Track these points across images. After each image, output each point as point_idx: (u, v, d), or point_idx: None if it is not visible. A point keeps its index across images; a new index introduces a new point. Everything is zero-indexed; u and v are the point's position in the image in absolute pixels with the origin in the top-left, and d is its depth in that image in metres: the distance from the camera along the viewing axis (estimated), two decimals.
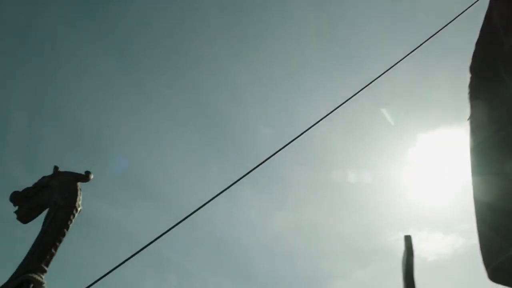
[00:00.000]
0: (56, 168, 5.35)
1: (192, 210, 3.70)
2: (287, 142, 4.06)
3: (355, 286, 22.91)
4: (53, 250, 4.53)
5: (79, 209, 4.98)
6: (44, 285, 4.22)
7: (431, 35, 4.26)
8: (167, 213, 20.21)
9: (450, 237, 22.81)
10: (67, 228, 4.77)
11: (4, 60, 17.79)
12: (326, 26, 20.18)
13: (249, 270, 22.13)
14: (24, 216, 5.21)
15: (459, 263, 22.53)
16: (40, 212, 5.25)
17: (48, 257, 4.47)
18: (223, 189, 3.93)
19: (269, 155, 3.73)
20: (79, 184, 5.20)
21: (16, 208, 5.24)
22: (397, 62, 4.05)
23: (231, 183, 4.14)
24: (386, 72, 4.05)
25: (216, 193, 3.93)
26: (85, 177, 5.29)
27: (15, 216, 5.23)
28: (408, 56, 4.16)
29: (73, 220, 4.89)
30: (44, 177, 5.36)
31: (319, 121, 3.73)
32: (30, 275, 4.19)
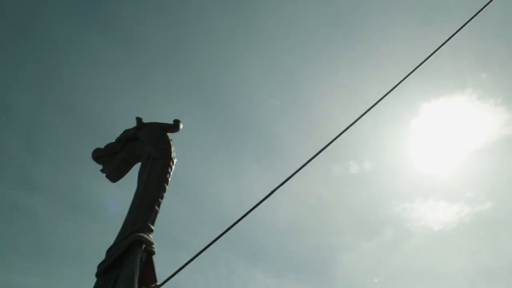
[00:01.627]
0: (140, 119, 4.83)
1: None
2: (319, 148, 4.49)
3: (363, 258, 23.16)
4: (156, 207, 4.04)
5: (175, 160, 4.45)
6: (153, 245, 3.79)
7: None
8: (177, 194, 20.13)
9: (456, 206, 23.06)
10: (167, 182, 4.27)
11: (9, 50, 17.43)
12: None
13: (257, 246, 22.20)
14: (113, 174, 4.74)
15: (465, 231, 22.87)
16: (130, 168, 4.80)
17: (153, 215, 4.00)
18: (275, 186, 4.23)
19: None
20: (168, 134, 4.67)
21: (101, 166, 4.77)
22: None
23: (278, 184, 4.32)
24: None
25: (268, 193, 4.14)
26: (174, 126, 4.74)
27: (103, 175, 4.75)
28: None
29: (171, 173, 4.36)
30: (126, 131, 4.85)
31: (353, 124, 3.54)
32: (141, 234, 3.74)
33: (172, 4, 19.38)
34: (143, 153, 4.52)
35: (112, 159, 4.73)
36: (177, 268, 3.66)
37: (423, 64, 5.20)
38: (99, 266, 3.73)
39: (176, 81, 20.27)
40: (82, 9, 18.53)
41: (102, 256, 3.72)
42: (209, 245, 3.85)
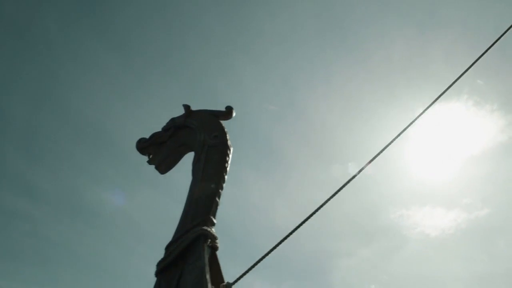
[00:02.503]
0: (188, 106, 4.48)
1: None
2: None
3: (360, 264, 23.03)
4: (217, 199, 3.72)
5: (231, 149, 4.11)
6: (217, 240, 3.51)
7: None
8: (170, 199, 19.87)
9: (453, 212, 23.09)
10: (226, 171, 3.93)
11: (6, 55, 17.16)
12: (324, 2, 19.98)
13: (254, 252, 21.95)
14: (163, 165, 4.38)
15: (462, 237, 22.88)
16: (180, 158, 4.44)
17: (214, 207, 3.68)
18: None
19: None
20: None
21: (147, 158, 4.42)
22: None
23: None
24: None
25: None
26: (227, 113, 4.38)
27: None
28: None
29: (229, 162, 4.02)
30: (173, 119, 4.50)
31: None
32: (205, 228, 3.43)
33: (169, 9, 19.24)
34: (195, 141, 4.19)
35: (160, 150, 4.39)
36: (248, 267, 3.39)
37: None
38: (159, 264, 3.43)
39: (173, 86, 20.08)
40: (79, 13, 18.34)
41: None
42: (280, 243, 3.63)
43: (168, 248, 3.49)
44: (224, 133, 4.17)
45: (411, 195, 22.90)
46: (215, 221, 3.64)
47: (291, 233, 3.68)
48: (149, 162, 4.44)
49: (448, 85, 4.72)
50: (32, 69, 18.66)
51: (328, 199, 3.87)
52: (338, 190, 3.94)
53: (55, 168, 19.79)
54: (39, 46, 18.35)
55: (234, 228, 21.31)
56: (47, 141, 19.44)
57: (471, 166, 21.47)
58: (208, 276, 3.14)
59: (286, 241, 3.66)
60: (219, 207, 3.77)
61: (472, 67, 4.79)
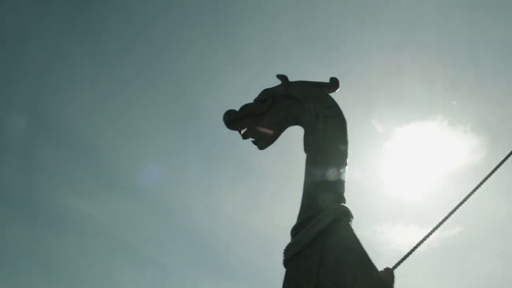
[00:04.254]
0: (285, 76, 3.98)
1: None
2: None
3: None
4: (343, 175, 3.25)
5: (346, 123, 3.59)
6: (353, 220, 3.03)
7: None
8: (147, 208, 19.71)
9: (425, 230, 23.22)
10: (347, 145, 3.42)
11: None
12: (305, 18, 20.23)
13: (227, 264, 21.82)
14: (263, 139, 3.84)
15: (434, 255, 23.15)
16: (282, 131, 3.92)
17: (342, 184, 3.22)
18: None
19: None
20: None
21: (239, 131, 3.91)
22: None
23: None
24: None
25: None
26: (332, 85, 3.88)
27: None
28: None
29: (347, 137, 3.49)
30: (268, 90, 3.99)
31: None
32: (345, 205, 3.03)
33: (152, 18, 19.20)
34: (303, 112, 3.67)
35: (258, 122, 3.85)
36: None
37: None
38: (288, 250, 2.96)
39: (153, 94, 19.97)
40: (60, 18, 18.11)
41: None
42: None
43: (296, 230, 3.03)
44: (337, 104, 3.70)
45: (384, 212, 23.10)
46: (345, 198, 3.19)
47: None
48: (244, 136, 3.91)
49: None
50: (6, 70, 18.33)
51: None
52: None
53: (28, 176, 19.37)
54: (15, 48, 18.06)
55: (208, 238, 21.19)
56: (21, 149, 19.01)
57: (444, 185, 21.83)
58: (370, 259, 2.74)
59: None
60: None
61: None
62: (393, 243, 24.12)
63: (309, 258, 2.86)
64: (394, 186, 23.24)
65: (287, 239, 3.10)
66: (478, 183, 4.00)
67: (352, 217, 3.04)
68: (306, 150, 3.50)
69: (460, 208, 3.87)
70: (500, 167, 4.04)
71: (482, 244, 20.68)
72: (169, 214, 20.65)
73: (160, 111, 20.20)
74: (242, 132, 3.92)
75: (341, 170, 3.29)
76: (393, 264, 2.98)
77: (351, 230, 2.93)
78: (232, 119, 3.89)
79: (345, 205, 3.08)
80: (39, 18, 17.81)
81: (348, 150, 3.45)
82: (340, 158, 3.35)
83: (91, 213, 19.53)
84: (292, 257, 2.94)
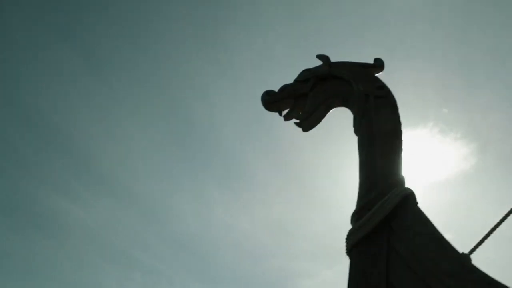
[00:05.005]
0: (327, 57, 3.83)
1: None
2: None
3: (323, 285, 22.93)
4: (401, 156, 3.10)
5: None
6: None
7: None
8: (137, 212, 19.41)
9: None
10: (400, 123, 3.28)
11: None
12: (294, 22, 20.29)
13: (216, 269, 21.60)
14: (307, 120, 3.64)
15: None
16: (327, 112, 3.73)
17: (400, 164, 3.07)
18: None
19: None
20: None
21: (279, 113, 3.76)
22: None
23: None
24: None
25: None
26: (378, 66, 3.75)
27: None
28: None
29: (399, 117, 3.35)
30: (308, 70, 3.81)
31: None
32: (410, 188, 2.87)
33: (136, 16, 18.96)
34: (350, 93, 3.53)
35: (301, 103, 3.68)
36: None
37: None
38: (352, 236, 2.78)
39: (140, 93, 19.70)
40: (43, 16, 17.77)
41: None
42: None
43: (359, 214, 2.86)
44: (386, 85, 3.55)
45: None
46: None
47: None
48: (286, 117, 3.75)
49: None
50: None
51: None
52: None
53: (11, 175, 18.90)
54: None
55: (197, 243, 20.95)
56: (8, 145, 18.56)
57: (435, 192, 21.98)
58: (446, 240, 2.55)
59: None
60: None
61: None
62: None
63: (376, 242, 2.70)
64: None
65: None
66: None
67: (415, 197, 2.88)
68: (357, 132, 3.38)
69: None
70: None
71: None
72: (159, 218, 20.43)
73: (150, 117, 19.99)
74: (283, 114, 3.78)
75: (398, 151, 3.16)
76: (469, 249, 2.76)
77: (420, 211, 2.76)
78: (272, 100, 3.73)
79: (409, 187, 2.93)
80: (30, 24, 17.51)
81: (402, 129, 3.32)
82: (395, 138, 3.22)
83: (79, 217, 19.28)
84: (356, 243, 2.77)
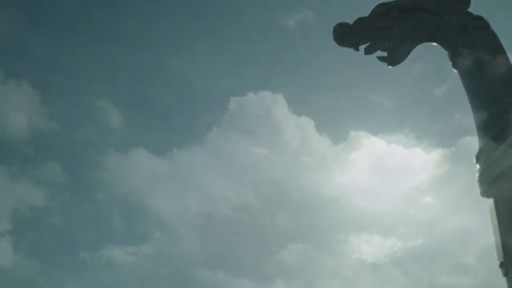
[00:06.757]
0: None
1: None
2: None
3: (298, 286, 23.08)
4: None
5: None
6: None
7: None
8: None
9: (389, 241, 23.79)
10: (505, 51, 3.12)
11: None
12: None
13: None
14: (395, 54, 3.25)
15: (397, 264, 23.53)
16: (414, 47, 3.39)
17: None
18: None
19: None
20: None
21: (354, 48, 3.41)
22: None
23: None
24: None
25: None
26: (464, 1, 3.46)
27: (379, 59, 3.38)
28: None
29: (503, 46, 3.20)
30: (385, 3, 3.36)
31: None
32: None
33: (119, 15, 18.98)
34: (440, 26, 3.24)
35: (380, 37, 3.30)
36: None
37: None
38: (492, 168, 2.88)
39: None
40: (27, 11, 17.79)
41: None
42: None
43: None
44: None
45: (350, 221, 23.48)
46: None
47: None
48: (367, 51, 3.40)
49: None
50: None
51: None
52: None
53: None
54: None
55: None
56: None
57: (409, 197, 22.35)
58: None
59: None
60: None
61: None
62: (358, 253, 24.47)
63: None
64: (360, 197, 23.75)
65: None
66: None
67: None
68: (457, 65, 3.23)
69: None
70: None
71: (441, 255, 21.30)
72: None
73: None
74: (365, 47, 3.45)
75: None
76: None
77: None
78: (347, 32, 3.30)
79: None
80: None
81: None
82: (506, 65, 3.05)
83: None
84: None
